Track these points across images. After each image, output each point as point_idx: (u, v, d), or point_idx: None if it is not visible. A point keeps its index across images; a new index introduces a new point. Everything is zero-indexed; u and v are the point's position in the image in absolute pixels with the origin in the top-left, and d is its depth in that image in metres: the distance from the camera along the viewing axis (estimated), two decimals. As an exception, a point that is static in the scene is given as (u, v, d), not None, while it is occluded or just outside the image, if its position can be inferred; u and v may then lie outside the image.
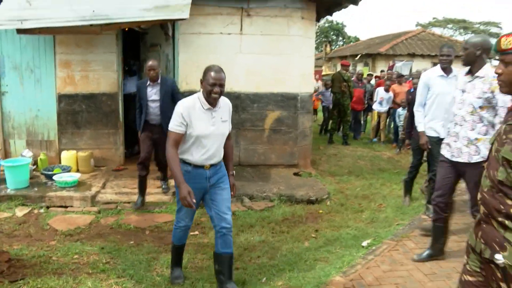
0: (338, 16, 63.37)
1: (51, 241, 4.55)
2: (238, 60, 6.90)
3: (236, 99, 7.03)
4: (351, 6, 7.73)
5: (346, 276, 3.71)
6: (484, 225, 2.00)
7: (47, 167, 6.34)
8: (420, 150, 5.38)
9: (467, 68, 3.74)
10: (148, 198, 5.66)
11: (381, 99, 10.51)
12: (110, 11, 5.57)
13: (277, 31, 6.88)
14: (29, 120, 6.78)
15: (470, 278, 2.09)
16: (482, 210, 2.01)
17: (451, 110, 3.86)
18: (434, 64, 9.22)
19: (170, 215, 5.36)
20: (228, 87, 6.85)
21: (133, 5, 5.69)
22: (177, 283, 3.63)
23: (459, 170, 3.77)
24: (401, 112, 9.64)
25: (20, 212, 5.32)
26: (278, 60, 6.97)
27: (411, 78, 10.05)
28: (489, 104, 3.57)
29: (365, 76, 13.53)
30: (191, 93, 6.81)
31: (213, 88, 3.18)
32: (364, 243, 4.52)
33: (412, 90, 9.75)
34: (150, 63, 5.30)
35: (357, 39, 40.86)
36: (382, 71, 11.91)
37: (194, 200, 3.16)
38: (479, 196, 2.05)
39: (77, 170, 6.48)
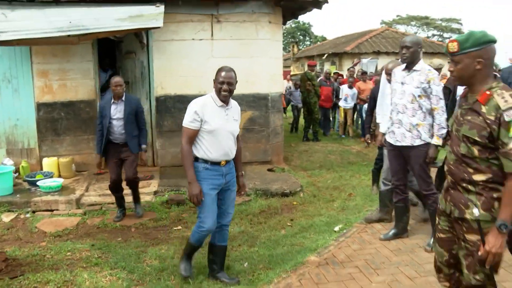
0: (304, 16, 64.32)
1: (42, 242, 4.79)
2: (210, 64, 7.21)
3: (210, 101, 7.36)
4: (315, 10, 8.16)
5: (320, 256, 4.12)
6: (452, 191, 2.46)
7: (30, 173, 6.53)
8: None
9: (403, 65, 4.21)
10: (131, 198, 5.88)
11: (346, 96, 11.03)
12: (86, 22, 5.82)
13: (246, 36, 7.26)
14: (9, 129, 6.94)
15: (442, 235, 2.58)
16: (449, 179, 2.49)
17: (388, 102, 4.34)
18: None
19: (153, 212, 5.67)
20: (201, 90, 7.28)
21: (108, 16, 5.97)
22: (185, 275, 3.77)
23: (404, 154, 4.24)
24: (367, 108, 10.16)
25: (6, 218, 5.50)
26: (248, 63, 7.35)
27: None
28: (425, 94, 4.07)
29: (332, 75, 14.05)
30: (166, 97, 7.25)
31: (222, 86, 3.45)
32: (336, 228, 4.94)
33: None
34: (116, 79, 5.24)
35: (324, 39, 41.67)
36: (352, 68, 12.46)
37: (203, 199, 3.45)
38: (446, 168, 2.52)
39: (59, 176, 6.68)
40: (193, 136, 3.51)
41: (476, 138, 2.28)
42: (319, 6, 7.85)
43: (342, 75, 13.58)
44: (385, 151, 4.74)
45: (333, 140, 11.07)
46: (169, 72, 7.03)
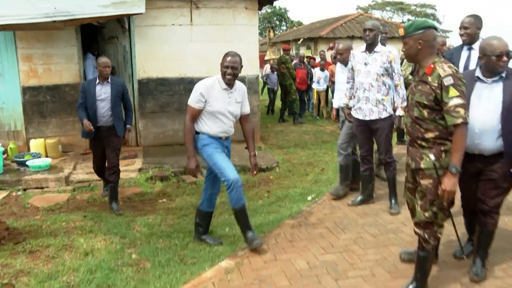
0: (281, 2, 64.32)
1: (36, 216, 5.13)
2: (189, 49, 7.60)
3: (190, 83, 7.72)
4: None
5: (294, 219, 4.61)
6: (410, 148, 3.10)
7: (18, 154, 6.81)
8: None
9: (364, 47, 4.71)
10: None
11: (319, 78, 11.50)
12: (71, 8, 6.08)
13: (224, 21, 7.63)
14: (-6, 113, 7.18)
15: (409, 185, 3.24)
16: (408, 139, 3.10)
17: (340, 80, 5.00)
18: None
19: (139, 187, 6.06)
20: (181, 73, 7.67)
21: (92, 2, 6.24)
22: (256, 245, 3.81)
23: (372, 127, 4.75)
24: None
25: (-1, 195, 5.82)
26: (226, 47, 7.57)
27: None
28: (387, 72, 4.64)
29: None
30: (148, 80, 7.58)
31: (226, 70, 3.74)
32: (309, 197, 5.43)
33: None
34: (104, 59, 5.13)
35: (300, 24, 41.99)
36: (323, 51, 12.87)
37: (199, 172, 3.84)
38: (405, 130, 3.15)
39: (46, 156, 6.98)
40: (197, 114, 3.82)
41: (425, 102, 2.87)
42: (293, -7, 8.24)
43: (314, 58, 14.02)
44: (344, 126, 5.23)
45: (307, 121, 11.57)
46: (150, 56, 7.36)
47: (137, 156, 7.17)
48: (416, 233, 3.10)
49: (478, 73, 3.26)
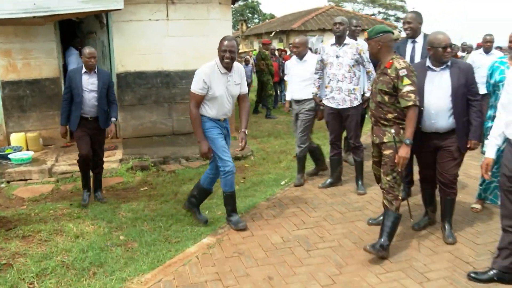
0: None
1: (22, 206, 5.33)
2: (166, 43, 7.86)
3: (167, 76, 8.03)
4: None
5: (269, 201, 4.99)
6: (375, 127, 3.80)
7: (-1, 148, 6.96)
8: None
9: (333, 40, 5.11)
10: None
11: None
12: (50, 4, 6.24)
13: (199, 16, 7.92)
14: (-26, 107, 7.29)
15: (375, 159, 3.94)
16: (372, 120, 3.79)
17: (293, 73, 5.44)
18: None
19: (121, 177, 6.32)
20: (158, 67, 7.93)
21: (71, -2, 6.42)
22: (241, 227, 4.20)
23: (343, 115, 5.17)
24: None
25: (-18, 188, 5.99)
26: (201, 41, 8.01)
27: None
28: (357, 63, 5.08)
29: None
30: (126, 74, 7.82)
31: (224, 54, 3.91)
32: (282, 182, 5.81)
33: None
34: (90, 50, 4.95)
35: (272, 16, 42.33)
36: (290, 44, 13.23)
37: (212, 154, 4.06)
38: (370, 113, 3.84)
39: (27, 150, 7.15)
40: (200, 100, 4.01)
41: (386, 89, 3.60)
42: (264, -12, 8.58)
43: (285, 51, 14.37)
44: (299, 120, 5.56)
45: (280, 112, 11.94)
46: (128, 51, 7.59)
47: (117, 148, 7.41)
48: (383, 196, 3.77)
49: (428, 63, 3.80)
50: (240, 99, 4.36)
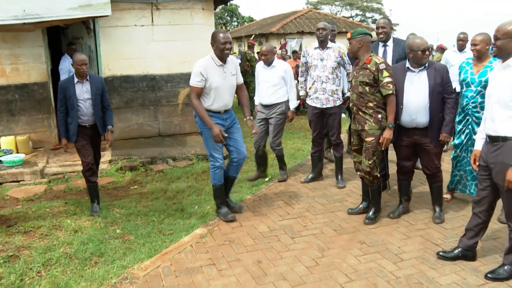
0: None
1: (17, 206, 5.54)
2: (151, 47, 8.14)
3: (152, 80, 8.30)
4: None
5: (255, 195, 5.33)
6: (356, 116, 4.36)
7: (-10, 152, 7.12)
8: None
9: (317, 44, 5.47)
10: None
11: (270, 73, 12.23)
12: (39, 11, 6.45)
13: (183, 21, 8.23)
14: (-37, 112, 7.43)
15: (355, 147, 4.51)
16: (354, 109, 4.35)
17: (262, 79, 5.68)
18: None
19: (111, 177, 6.56)
20: (144, 71, 8.21)
21: (59, 5, 6.62)
22: (230, 218, 4.54)
23: (326, 114, 5.54)
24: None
25: (-24, 190, 6.16)
26: (185, 45, 8.32)
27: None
28: (339, 65, 5.46)
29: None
30: (113, 78, 8.06)
31: (225, 45, 4.15)
32: (266, 179, 6.14)
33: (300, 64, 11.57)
34: (82, 57, 4.87)
35: (251, 19, 42.65)
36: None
37: (226, 135, 4.26)
38: (351, 104, 4.43)
39: (17, 153, 7.32)
40: (200, 92, 4.25)
41: (367, 81, 4.20)
42: (245, -6, 8.93)
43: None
44: (260, 125, 5.83)
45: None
46: (114, 55, 7.85)
47: (105, 149, 7.62)
48: (363, 177, 4.49)
49: (408, 64, 4.24)
50: (238, 89, 4.62)
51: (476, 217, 3.57)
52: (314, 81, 5.52)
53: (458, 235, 4.08)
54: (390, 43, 5.13)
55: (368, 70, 4.19)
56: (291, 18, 23.60)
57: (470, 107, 4.50)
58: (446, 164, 5.68)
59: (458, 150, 4.80)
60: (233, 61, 4.49)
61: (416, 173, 4.79)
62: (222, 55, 4.26)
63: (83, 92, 4.93)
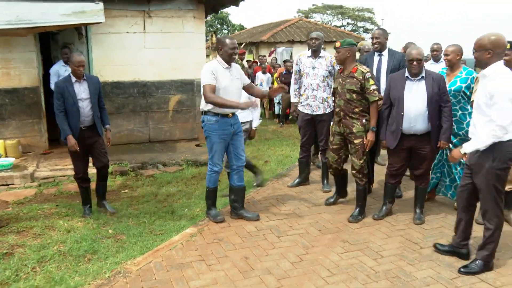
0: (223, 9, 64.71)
1: (7, 209, 5.60)
2: (143, 54, 8.30)
3: (143, 86, 8.45)
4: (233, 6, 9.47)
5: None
6: (343, 120, 4.67)
7: (-21, 155, 7.17)
8: None
9: (309, 53, 5.66)
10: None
11: (262, 81, 12.47)
12: (33, 16, 6.59)
13: (174, 29, 8.41)
14: (-46, 116, 7.49)
15: (334, 147, 4.85)
16: (342, 113, 4.67)
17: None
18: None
19: (102, 181, 6.66)
20: (135, 77, 8.35)
21: (53, 11, 6.78)
22: (219, 219, 4.72)
23: (316, 120, 5.71)
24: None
25: (-34, 193, 6.21)
26: (176, 53, 8.50)
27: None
28: (330, 74, 5.63)
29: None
30: (104, 84, 8.22)
31: (233, 50, 4.45)
32: (254, 184, 6.29)
33: (285, 72, 11.80)
34: (79, 58, 4.78)
35: (242, 27, 42.98)
36: (263, 56, 13.83)
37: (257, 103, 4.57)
38: (337, 109, 4.75)
39: (6, 157, 7.38)
40: (214, 89, 4.37)
41: (355, 89, 4.54)
42: (236, 4, 9.17)
43: (256, 62, 14.95)
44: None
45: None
46: (106, 62, 7.99)
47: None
48: (354, 175, 4.75)
49: (407, 73, 4.45)
50: (249, 88, 4.80)
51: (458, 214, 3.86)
52: (306, 88, 5.71)
53: (437, 235, 4.30)
54: (385, 53, 5.36)
55: (355, 79, 4.54)
56: (281, 27, 23.89)
57: None
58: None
59: None
60: (235, 66, 4.68)
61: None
62: (229, 59, 4.51)
63: (81, 91, 4.90)
